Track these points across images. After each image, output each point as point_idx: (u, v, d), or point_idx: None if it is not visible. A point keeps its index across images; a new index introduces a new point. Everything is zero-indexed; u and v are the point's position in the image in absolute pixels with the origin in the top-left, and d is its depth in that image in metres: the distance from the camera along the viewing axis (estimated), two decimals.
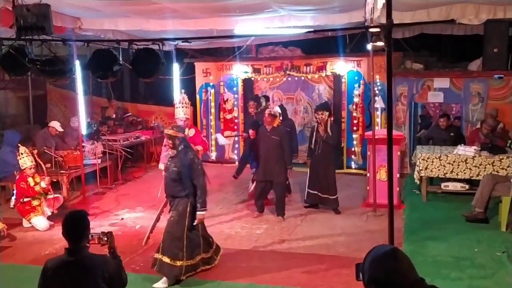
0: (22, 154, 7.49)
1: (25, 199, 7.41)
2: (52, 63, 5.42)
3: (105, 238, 3.53)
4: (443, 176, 8.13)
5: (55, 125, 9.63)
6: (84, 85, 9.25)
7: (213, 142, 11.96)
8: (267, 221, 7.43)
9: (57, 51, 5.98)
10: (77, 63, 7.89)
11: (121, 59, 5.32)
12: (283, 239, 6.78)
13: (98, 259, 3.32)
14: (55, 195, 7.79)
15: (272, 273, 5.73)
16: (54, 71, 5.44)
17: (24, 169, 7.43)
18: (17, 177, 7.56)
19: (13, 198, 7.59)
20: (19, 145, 7.80)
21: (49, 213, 7.54)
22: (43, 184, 7.45)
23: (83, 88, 9.12)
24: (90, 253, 3.34)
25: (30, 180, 7.42)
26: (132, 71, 5.54)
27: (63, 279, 3.24)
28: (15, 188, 7.59)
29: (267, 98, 9.89)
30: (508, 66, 9.52)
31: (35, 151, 7.99)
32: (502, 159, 7.74)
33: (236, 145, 11.87)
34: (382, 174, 7.88)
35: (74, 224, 3.34)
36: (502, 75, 9.55)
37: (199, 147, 7.32)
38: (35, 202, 7.44)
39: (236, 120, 11.79)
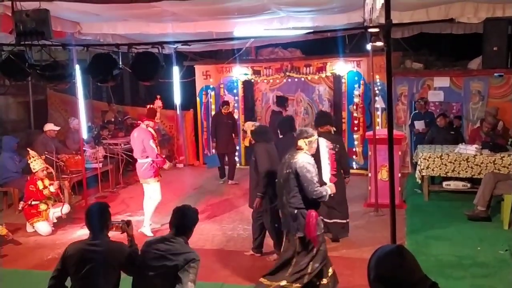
0: (32, 157, 7.52)
1: (33, 202, 7.42)
2: (52, 68, 5.43)
3: (125, 226, 3.84)
4: (445, 175, 8.13)
5: (50, 126, 9.60)
6: (84, 89, 9.21)
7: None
8: None
9: (57, 56, 5.99)
10: (77, 68, 7.85)
11: (120, 63, 5.32)
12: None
13: (117, 246, 3.69)
14: (65, 204, 7.78)
15: None
16: (54, 76, 5.45)
17: (36, 172, 7.45)
18: (28, 180, 7.59)
19: (22, 201, 7.60)
20: (28, 149, 7.82)
21: (55, 220, 7.53)
22: (52, 189, 7.47)
23: (83, 93, 9.07)
24: (110, 240, 3.70)
25: (39, 183, 7.45)
26: (132, 75, 5.54)
27: (87, 259, 3.55)
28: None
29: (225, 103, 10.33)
30: (508, 64, 9.51)
31: (42, 157, 8.02)
32: (504, 157, 7.73)
33: (237, 147, 11.84)
34: (384, 174, 7.87)
35: (97, 214, 3.69)
36: (502, 73, 9.55)
37: None
38: (42, 207, 7.45)
39: (237, 122, 11.77)
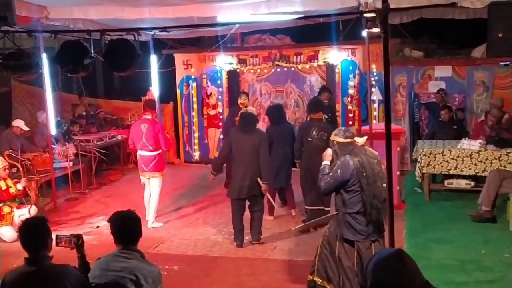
0: None
1: None
2: (16, 57, 5.37)
3: (75, 241, 3.55)
4: (447, 173, 8.19)
5: (19, 124, 9.54)
6: (52, 80, 9.16)
7: (196, 141, 11.96)
8: None
9: (22, 43, 5.92)
10: (44, 57, 7.81)
11: (92, 51, 5.28)
12: (274, 245, 6.79)
13: (60, 270, 3.32)
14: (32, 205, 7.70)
15: (263, 282, 5.75)
16: (18, 66, 5.39)
17: None
18: None
19: None
20: None
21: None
22: (19, 186, 7.41)
23: (52, 84, 9.04)
24: (52, 263, 3.35)
25: (2, 183, 7.37)
26: (105, 65, 5.50)
27: None
28: None
29: (247, 95, 9.82)
30: None
31: (6, 152, 7.95)
32: (510, 153, 7.80)
33: (221, 143, 11.83)
34: None
35: (32, 231, 3.36)
36: (508, 62, 9.63)
37: None
38: (5, 209, 7.37)
39: (220, 116, 11.78)
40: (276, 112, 7.95)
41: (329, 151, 4.82)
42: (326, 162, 4.79)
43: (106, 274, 3.41)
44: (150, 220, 7.76)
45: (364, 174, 4.47)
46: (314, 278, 4.90)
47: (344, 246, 4.65)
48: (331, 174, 4.59)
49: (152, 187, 7.83)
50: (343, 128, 4.89)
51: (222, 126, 10.52)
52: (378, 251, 4.39)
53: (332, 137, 4.73)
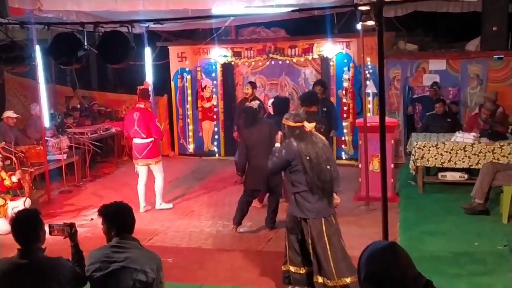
0: None
1: None
2: (9, 49, 5.34)
3: (67, 230, 3.58)
4: (441, 166, 8.22)
5: (9, 114, 9.51)
6: (45, 72, 9.13)
7: (190, 134, 11.95)
8: (251, 219, 7.45)
9: (15, 35, 5.90)
10: (37, 49, 7.78)
11: (86, 44, 5.26)
12: (269, 237, 6.81)
13: (53, 262, 3.34)
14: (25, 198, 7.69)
15: (257, 274, 5.76)
16: (11, 58, 5.37)
17: None
18: None
19: None
20: None
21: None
22: (14, 179, 7.38)
23: (45, 76, 9.00)
24: (44, 255, 3.36)
25: None
26: (99, 57, 5.48)
27: (14, 283, 3.24)
28: None
29: (253, 85, 9.78)
30: (508, 45, 9.62)
31: (1, 144, 7.92)
32: (503, 146, 7.84)
33: (216, 136, 11.85)
34: (375, 165, 7.94)
35: (24, 224, 3.36)
36: (502, 56, 9.64)
37: None
38: None
39: (215, 109, 11.76)
40: (282, 104, 7.93)
41: (280, 134, 5.07)
42: (277, 144, 5.04)
43: (108, 266, 3.36)
44: (157, 202, 8.16)
45: (308, 158, 4.76)
46: (288, 268, 5.11)
47: (301, 225, 4.91)
48: (277, 154, 4.90)
49: (155, 173, 8.10)
50: (294, 112, 5.13)
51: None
52: (328, 228, 4.78)
53: (284, 121, 4.98)
